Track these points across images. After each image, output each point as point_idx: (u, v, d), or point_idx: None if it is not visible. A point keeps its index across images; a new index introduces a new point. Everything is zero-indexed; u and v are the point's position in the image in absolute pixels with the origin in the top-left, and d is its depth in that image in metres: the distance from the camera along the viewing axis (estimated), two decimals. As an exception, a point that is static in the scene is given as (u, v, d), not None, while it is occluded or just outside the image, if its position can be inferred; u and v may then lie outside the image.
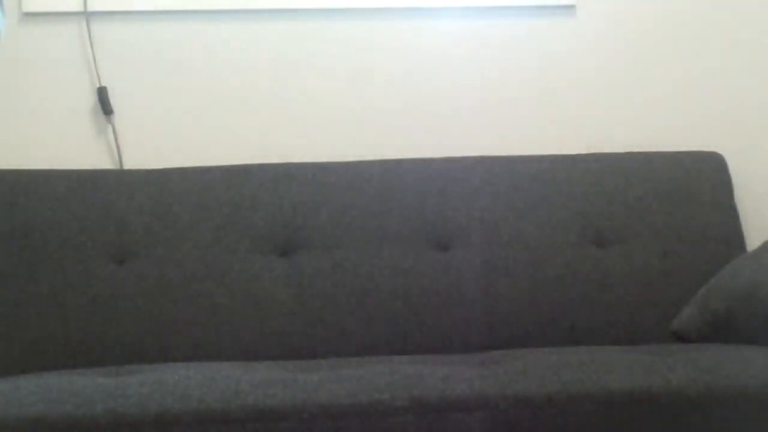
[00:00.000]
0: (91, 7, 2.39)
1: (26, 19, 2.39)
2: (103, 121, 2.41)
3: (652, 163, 2.38)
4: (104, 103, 2.40)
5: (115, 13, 2.41)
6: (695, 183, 2.37)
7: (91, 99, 2.41)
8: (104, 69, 2.40)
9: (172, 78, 2.41)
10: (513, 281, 2.24)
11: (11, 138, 2.39)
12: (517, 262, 2.26)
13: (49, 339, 2.14)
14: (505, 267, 2.25)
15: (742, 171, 2.46)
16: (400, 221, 2.27)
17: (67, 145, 2.40)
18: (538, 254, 2.27)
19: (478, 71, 2.49)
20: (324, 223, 2.26)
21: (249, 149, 2.43)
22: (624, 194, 2.34)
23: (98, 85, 2.40)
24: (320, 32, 2.46)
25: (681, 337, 2.21)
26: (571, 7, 2.51)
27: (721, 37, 2.54)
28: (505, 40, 2.50)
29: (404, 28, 2.48)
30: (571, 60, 2.51)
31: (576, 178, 2.34)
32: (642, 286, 2.27)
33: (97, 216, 2.22)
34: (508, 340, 2.16)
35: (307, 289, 2.22)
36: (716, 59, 2.53)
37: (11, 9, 2.38)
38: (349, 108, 2.46)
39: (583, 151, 2.41)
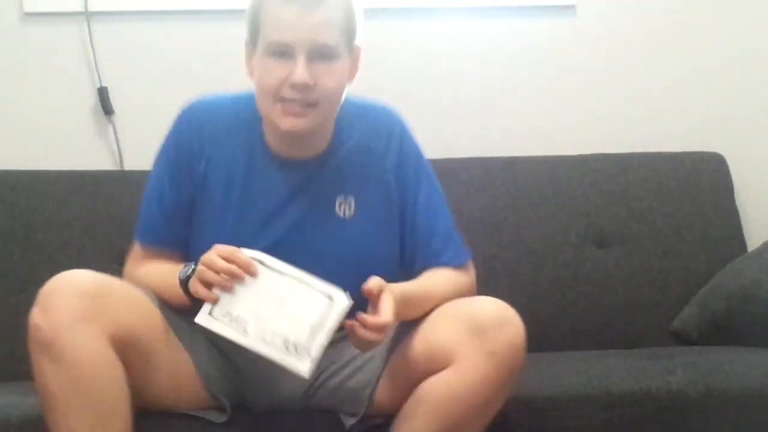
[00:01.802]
0: (91, 7, 2.38)
1: (26, 19, 2.38)
2: (103, 121, 2.41)
3: (652, 163, 2.38)
4: (105, 103, 2.39)
5: (116, 13, 2.40)
6: (695, 183, 2.37)
7: (91, 99, 2.41)
8: (104, 69, 2.40)
9: (172, 78, 2.40)
10: (513, 281, 2.24)
11: (11, 138, 2.39)
12: (517, 262, 2.26)
13: (49, 339, 2.14)
14: (505, 267, 2.25)
15: (742, 171, 2.45)
16: (400, 221, 2.26)
17: (67, 145, 2.40)
18: (538, 254, 2.27)
19: (478, 71, 2.49)
20: (324, 224, 2.25)
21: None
22: (624, 194, 2.33)
23: (99, 85, 2.40)
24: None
25: (681, 338, 2.21)
26: (571, 7, 2.50)
27: (721, 37, 2.53)
28: (506, 40, 2.49)
29: (404, 28, 2.47)
30: (571, 60, 2.50)
31: (576, 178, 2.34)
32: (642, 286, 2.27)
33: (98, 216, 2.22)
34: (508, 340, 2.15)
35: (308, 289, 2.21)
36: (716, 59, 2.53)
37: (11, 9, 2.38)
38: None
39: (583, 151, 2.40)
